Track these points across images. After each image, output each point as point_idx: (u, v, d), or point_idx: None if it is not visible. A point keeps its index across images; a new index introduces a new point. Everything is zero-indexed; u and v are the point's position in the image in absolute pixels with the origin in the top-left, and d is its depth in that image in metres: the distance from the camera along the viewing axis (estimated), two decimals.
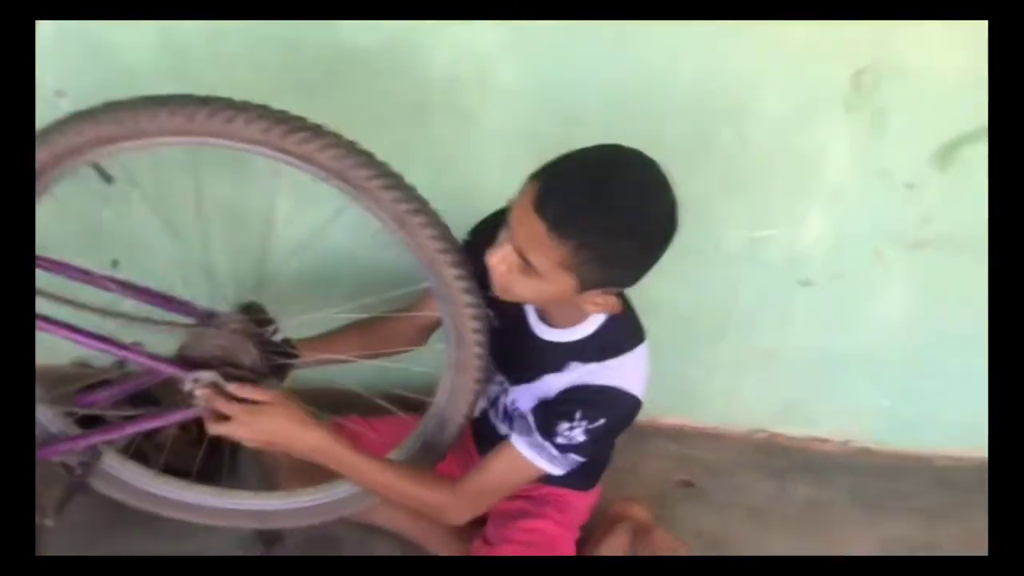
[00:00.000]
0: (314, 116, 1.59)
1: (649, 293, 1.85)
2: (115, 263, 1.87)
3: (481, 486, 1.38)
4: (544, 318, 1.40)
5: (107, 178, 1.24)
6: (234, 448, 1.67)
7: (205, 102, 1.14)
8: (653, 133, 1.63)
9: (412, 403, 1.53)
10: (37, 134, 1.17)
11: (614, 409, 1.33)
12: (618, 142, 1.22)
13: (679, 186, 1.68)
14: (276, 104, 1.58)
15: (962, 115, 1.63)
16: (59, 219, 1.46)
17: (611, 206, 1.14)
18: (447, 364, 1.39)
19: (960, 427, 2.03)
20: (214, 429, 1.25)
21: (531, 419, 1.35)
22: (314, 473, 1.51)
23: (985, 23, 1.34)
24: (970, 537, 1.85)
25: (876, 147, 1.66)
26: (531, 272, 1.19)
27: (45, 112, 1.22)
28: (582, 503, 1.64)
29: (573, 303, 1.27)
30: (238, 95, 1.44)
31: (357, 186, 1.19)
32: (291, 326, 1.45)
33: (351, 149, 1.18)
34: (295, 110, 1.44)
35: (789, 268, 1.83)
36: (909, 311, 1.87)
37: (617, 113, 1.63)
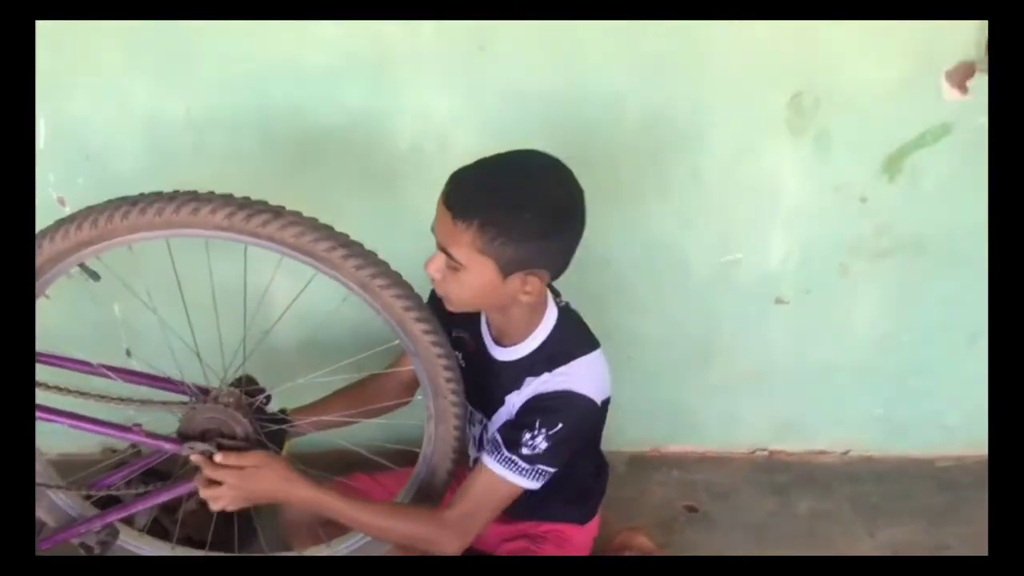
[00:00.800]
0: (293, 198, 1.71)
1: (633, 328, 1.96)
2: (128, 352, 1.99)
3: (464, 511, 1.41)
4: (497, 340, 1.47)
5: (93, 276, 1.35)
6: (247, 516, 1.75)
7: (172, 198, 1.25)
8: (610, 178, 1.76)
9: (410, 456, 1.61)
10: None
11: (569, 412, 1.37)
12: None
13: (644, 225, 1.80)
14: (258, 190, 1.71)
15: (901, 125, 1.71)
16: (72, 317, 1.59)
17: (506, 185, 1.26)
18: (427, 415, 1.47)
19: (957, 425, 2.06)
20: (204, 494, 1.34)
21: (498, 437, 1.41)
22: (327, 532, 1.61)
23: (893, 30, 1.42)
24: (976, 535, 1.85)
25: (825, 165, 1.74)
26: (458, 267, 1.28)
27: (51, 219, 1.33)
28: (581, 538, 1.68)
29: (509, 305, 1.36)
30: (222, 187, 1.57)
31: (320, 258, 1.29)
32: (282, 394, 1.55)
33: (311, 225, 1.29)
34: (275, 195, 1.56)
35: (761, 289, 1.90)
36: (884, 318, 1.93)
37: (572, 163, 1.72)
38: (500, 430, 1.43)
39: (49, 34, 1.67)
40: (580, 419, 1.39)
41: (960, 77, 1.64)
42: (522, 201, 1.25)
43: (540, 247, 1.28)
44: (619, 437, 2.12)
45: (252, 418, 1.43)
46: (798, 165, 1.75)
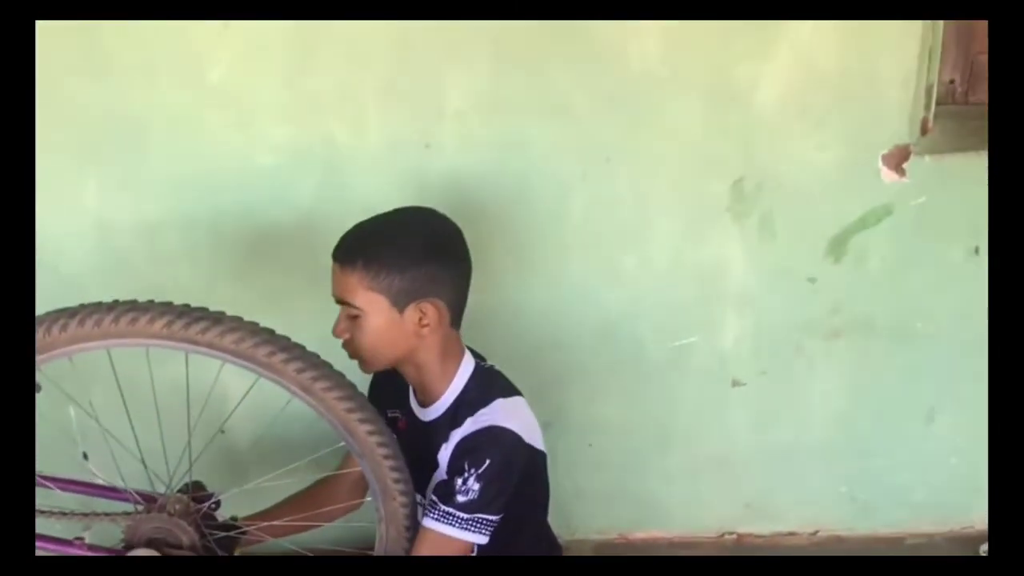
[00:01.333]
0: (246, 296, 1.74)
1: (592, 414, 1.97)
2: (85, 456, 1.97)
3: None
4: (421, 402, 1.47)
5: (35, 388, 1.34)
6: None
7: (110, 308, 1.26)
8: (557, 269, 1.78)
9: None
10: None
11: (494, 447, 1.36)
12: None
13: (595, 311, 1.81)
14: (211, 290, 1.72)
15: (843, 208, 1.75)
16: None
17: (381, 225, 1.40)
18: (377, 517, 1.45)
19: (923, 502, 2.04)
20: None
21: (432, 495, 1.40)
22: None
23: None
24: None
25: (770, 248, 1.77)
26: (358, 313, 1.34)
27: None
28: None
29: (416, 348, 1.39)
30: (177, 288, 1.57)
31: (261, 363, 1.29)
32: (233, 497, 1.53)
33: (251, 330, 1.29)
34: (228, 294, 1.57)
35: (717, 371, 1.90)
36: (841, 397, 1.93)
37: (520, 254, 1.76)
38: (433, 488, 1.42)
39: None
40: (507, 453, 1.37)
41: (896, 160, 1.68)
42: (396, 233, 1.38)
43: (424, 274, 1.35)
44: (584, 525, 2.11)
45: (200, 526, 1.41)
46: (744, 249, 1.77)
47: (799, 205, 1.73)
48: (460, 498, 1.35)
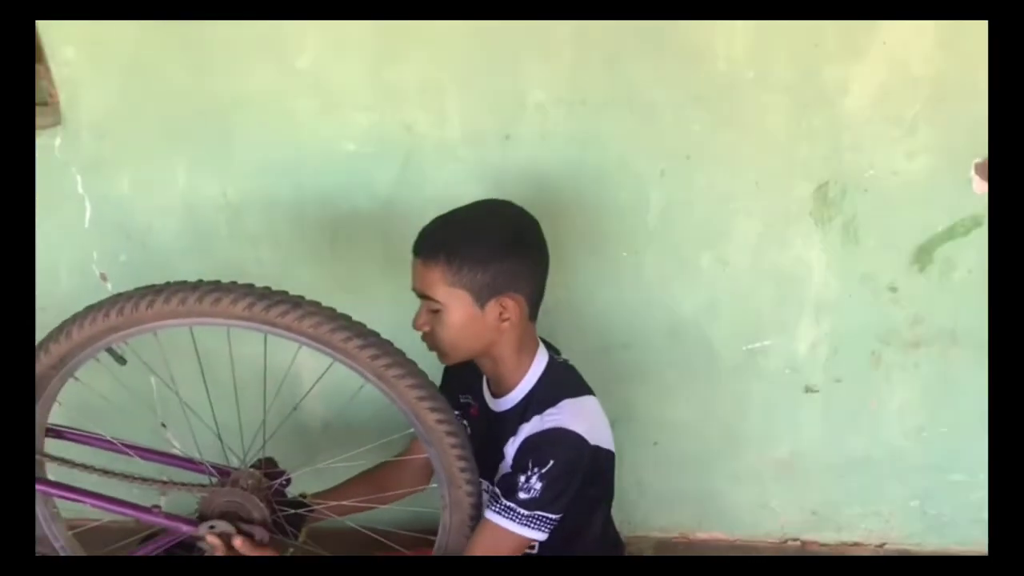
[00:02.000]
0: (323, 279, 1.77)
1: (658, 413, 1.95)
2: (164, 425, 2.04)
3: None
4: (494, 393, 1.49)
5: (120, 360, 1.39)
6: None
7: (195, 287, 1.29)
8: (632, 267, 1.76)
9: (426, 543, 1.61)
10: (59, 328, 1.35)
11: (559, 448, 1.36)
12: None
13: (669, 311, 1.80)
14: (290, 271, 1.76)
15: (930, 216, 1.70)
16: (100, 398, 1.64)
17: (462, 220, 1.40)
18: (442, 504, 1.47)
19: None
20: None
21: (495, 488, 1.41)
22: None
23: None
24: None
25: (853, 254, 1.73)
26: (439, 308, 1.36)
27: (93, 295, 1.40)
28: None
29: (496, 342, 1.40)
30: (257, 268, 1.61)
31: (337, 348, 1.31)
32: (303, 476, 1.57)
33: (328, 315, 1.31)
34: (306, 276, 1.60)
35: (791, 376, 1.87)
36: (919, 409, 1.88)
37: (596, 250, 1.75)
38: (497, 481, 1.43)
39: (94, 119, 1.77)
40: (571, 454, 1.37)
41: None
42: (478, 228, 1.38)
43: (506, 268, 1.35)
44: (647, 522, 2.10)
45: (271, 502, 1.45)
46: (825, 254, 1.74)
47: (885, 212, 1.69)
48: (522, 495, 1.36)
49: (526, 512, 1.37)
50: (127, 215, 1.86)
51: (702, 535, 2.11)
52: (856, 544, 2.05)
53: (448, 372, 1.61)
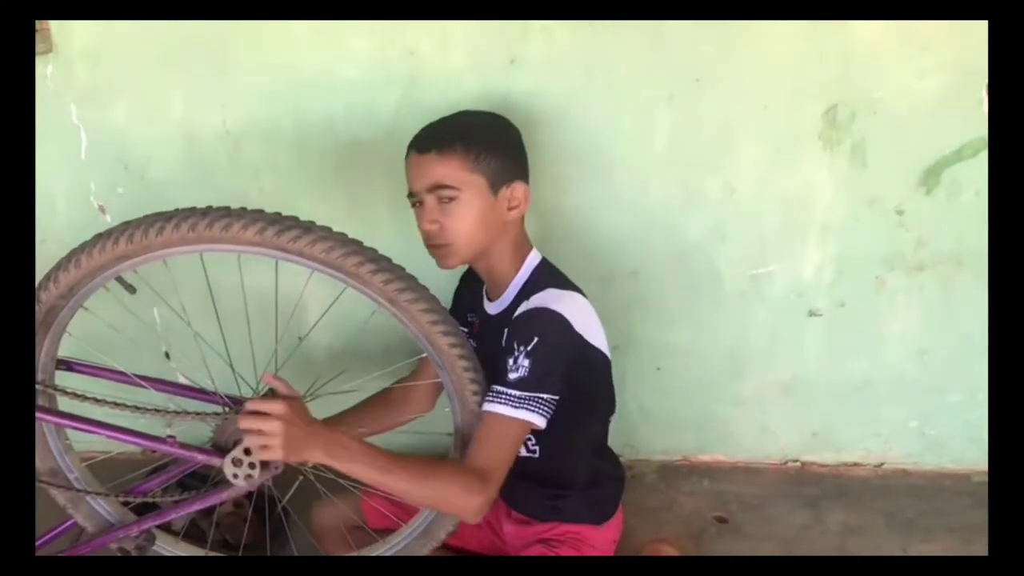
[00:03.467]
0: (326, 208, 1.76)
1: (662, 338, 1.96)
2: (167, 355, 2.04)
3: (480, 459, 1.39)
4: (489, 295, 1.55)
5: (130, 289, 1.38)
6: (279, 520, 1.78)
7: (204, 213, 1.28)
8: (639, 190, 1.76)
9: None
10: (68, 257, 1.33)
11: (540, 325, 1.39)
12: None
13: (675, 236, 1.79)
14: (293, 200, 1.74)
15: (939, 138, 1.68)
16: (109, 329, 1.64)
17: (464, 115, 1.52)
18: (454, 429, 1.48)
19: None
20: (253, 446, 1.32)
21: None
22: (356, 539, 1.63)
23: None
24: None
25: (860, 178, 1.72)
26: (453, 195, 1.41)
27: (92, 227, 1.39)
28: (599, 538, 1.64)
29: (499, 235, 1.46)
30: (258, 197, 1.59)
31: (349, 273, 1.31)
32: (313, 403, 1.57)
33: (340, 240, 1.30)
34: (308, 205, 1.58)
35: (795, 301, 1.88)
36: (921, 332, 1.89)
37: (601, 175, 1.73)
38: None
39: (86, 47, 1.72)
40: (553, 333, 1.39)
41: None
42: (483, 121, 1.50)
43: (513, 156, 1.46)
44: (648, 446, 2.13)
45: None
46: (833, 178, 1.73)
47: (894, 134, 1.67)
48: (512, 376, 1.38)
49: (519, 393, 1.38)
50: (124, 146, 1.83)
51: (704, 457, 2.14)
52: (855, 464, 2.08)
53: (457, 299, 1.61)
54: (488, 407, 1.40)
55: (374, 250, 1.33)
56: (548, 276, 1.50)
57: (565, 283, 1.50)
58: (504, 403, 1.39)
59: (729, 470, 2.12)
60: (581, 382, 1.47)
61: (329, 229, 1.32)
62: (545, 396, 1.39)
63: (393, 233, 1.74)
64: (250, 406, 1.31)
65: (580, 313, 1.44)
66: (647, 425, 2.08)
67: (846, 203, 1.76)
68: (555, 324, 1.40)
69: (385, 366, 1.66)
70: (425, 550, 1.57)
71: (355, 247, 1.31)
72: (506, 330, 1.44)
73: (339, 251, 1.29)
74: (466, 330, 1.56)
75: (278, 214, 1.31)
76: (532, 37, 1.64)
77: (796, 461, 2.12)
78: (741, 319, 1.92)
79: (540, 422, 1.40)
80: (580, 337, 1.43)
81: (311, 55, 1.70)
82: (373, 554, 1.61)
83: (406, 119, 1.72)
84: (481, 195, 1.42)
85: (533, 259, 1.51)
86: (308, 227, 1.30)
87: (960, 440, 2.02)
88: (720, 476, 2.11)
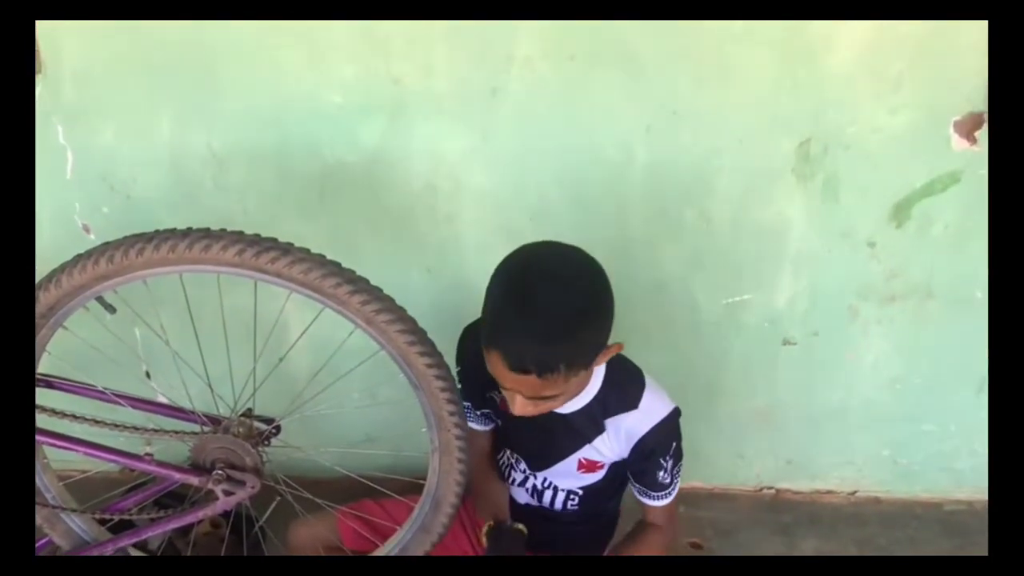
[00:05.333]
0: (309, 232, 1.77)
1: (641, 363, 1.96)
2: (148, 375, 2.05)
3: (668, 529, 1.61)
4: None
5: (109, 309, 1.39)
6: (256, 540, 1.79)
7: (184, 235, 1.30)
8: (619, 219, 1.79)
9: (416, 487, 1.64)
10: (48, 276, 1.35)
11: (673, 430, 1.53)
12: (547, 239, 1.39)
13: (653, 266, 1.82)
14: (276, 223, 1.76)
15: (909, 173, 1.73)
16: (89, 348, 1.65)
17: (555, 323, 1.27)
18: (431, 448, 1.50)
19: (965, 470, 2.06)
20: None
21: (642, 487, 1.57)
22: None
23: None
24: None
25: (833, 211, 1.76)
26: (553, 394, 1.36)
27: (76, 246, 1.40)
28: None
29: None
30: (242, 220, 1.61)
31: (327, 294, 1.33)
32: (291, 423, 1.59)
33: (318, 262, 1.32)
34: (291, 229, 1.60)
35: (769, 329, 1.91)
36: (894, 361, 1.93)
37: (581, 204, 1.76)
38: (637, 481, 1.58)
39: (76, 68, 1.75)
40: (678, 426, 1.54)
41: (969, 127, 1.66)
42: (575, 325, 1.29)
43: (600, 337, 1.37)
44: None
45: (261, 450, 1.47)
46: (806, 210, 1.76)
47: (865, 168, 1.71)
48: (666, 479, 1.55)
49: (678, 485, 1.58)
50: (110, 166, 1.85)
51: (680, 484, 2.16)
52: (829, 492, 2.11)
53: (470, 369, 1.60)
54: (659, 503, 1.58)
55: (352, 271, 1.35)
56: (622, 367, 1.53)
57: (636, 371, 1.55)
58: (663, 496, 1.57)
59: (705, 496, 2.15)
60: None
61: (307, 250, 1.34)
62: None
63: (376, 258, 1.76)
64: None
65: (664, 389, 1.55)
66: None
67: (819, 235, 1.79)
68: (678, 420, 1.53)
69: (365, 386, 1.68)
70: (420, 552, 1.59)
71: (333, 268, 1.33)
72: (622, 440, 1.52)
73: (317, 272, 1.31)
74: (488, 410, 1.63)
75: (257, 235, 1.34)
76: (514, 68, 1.66)
77: (771, 488, 2.14)
78: (717, 347, 1.95)
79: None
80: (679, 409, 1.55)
81: (297, 80, 1.73)
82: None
83: (391, 144, 1.76)
84: (582, 379, 1.41)
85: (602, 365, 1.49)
86: (286, 248, 1.32)
87: (932, 469, 2.05)
88: (695, 502, 2.13)
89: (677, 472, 1.57)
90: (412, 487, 1.65)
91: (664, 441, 1.51)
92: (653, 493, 1.57)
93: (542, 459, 1.59)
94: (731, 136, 1.70)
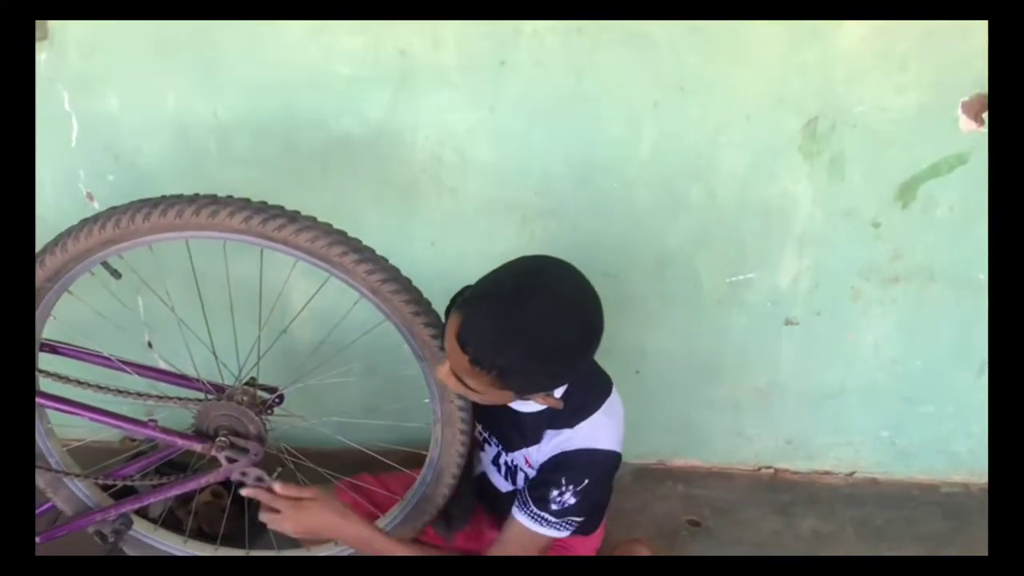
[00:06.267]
0: (313, 203, 1.77)
1: (642, 342, 1.99)
2: (150, 344, 2.05)
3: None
4: None
5: (115, 274, 1.40)
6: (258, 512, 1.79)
7: (191, 201, 1.30)
8: (623, 196, 1.78)
9: (417, 458, 1.65)
10: (55, 240, 1.35)
11: (594, 468, 1.42)
12: (545, 254, 1.33)
13: (656, 241, 1.82)
14: (280, 194, 1.76)
15: (916, 154, 1.72)
16: (94, 314, 1.65)
17: (525, 334, 1.22)
18: (434, 418, 1.51)
19: (963, 452, 2.07)
20: (265, 520, 1.40)
21: (526, 493, 1.45)
22: None
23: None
24: None
25: (838, 190, 1.76)
26: (474, 388, 1.30)
27: (79, 213, 1.40)
28: (584, 548, 1.71)
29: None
30: (246, 190, 1.61)
31: (333, 262, 1.33)
32: (294, 393, 1.59)
33: (325, 230, 1.33)
34: (296, 200, 1.60)
35: (772, 309, 1.91)
36: (894, 342, 1.94)
37: (586, 178, 1.76)
38: (527, 487, 1.47)
39: (82, 35, 1.74)
40: (605, 472, 1.44)
41: (976, 109, 1.65)
42: (541, 353, 1.24)
43: (562, 379, 1.35)
44: (625, 449, 2.14)
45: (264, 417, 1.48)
46: (812, 188, 1.76)
47: (872, 148, 1.71)
48: (554, 506, 1.42)
49: (556, 520, 1.43)
50: (115, 134, 1.84)
51: (679, 462, 2.18)
52: (827, 472, 2.12)
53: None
54: (522, 519, 1.45)
55: (358, 240, 1.36)
56: (587, 389, 1.44)
57: (601, 386, 1.47)
58: (538, 522, 1.44)
59: (703, 475, 2.16)
60: (612, 482, 1.55)
61: (314, 218, 1.34)
62: (579, 519, 1.45)
63: (380, 230, 1.75)
64: (282, 491, 1.40)
65: (620, 426, 1.46)
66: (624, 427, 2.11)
67: (824, 214, 1.79)
68: (608, 463, 1.43)
69: (367, 358, 1.68)
70: (408, 536, 1.59)
71: (339, 236, 1.34)
72: (547, 452, 1.44)
73: (323, 240, 1.32)
74: None
75: (264, 203, 1.34)
76: (522, 41, 1.66)
77: (769, 468, 2.15)
78: (719, 325, 1.95)
79: (566, 535, 1.46)
80: (620, 457, 1.45)
81: (303, 51, 1.72)
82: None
83: (397, 117, 1.75)
84: (503, 398, 1.34)
85: None
86: (293, 216, 1.33)
87: (929, 451, 2.06)
88: (694, 480, 2.14)
89: (567, 508, 1.40)
90: (412, 459, 1.66)
91: (580, 469, 1.39)
92: (530, 504, 1.42)
93: (507, 442, 1.55)
94: (738, 112, 1.69)
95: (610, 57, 1.66)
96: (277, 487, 1.41)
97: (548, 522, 1.43)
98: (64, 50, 1.76)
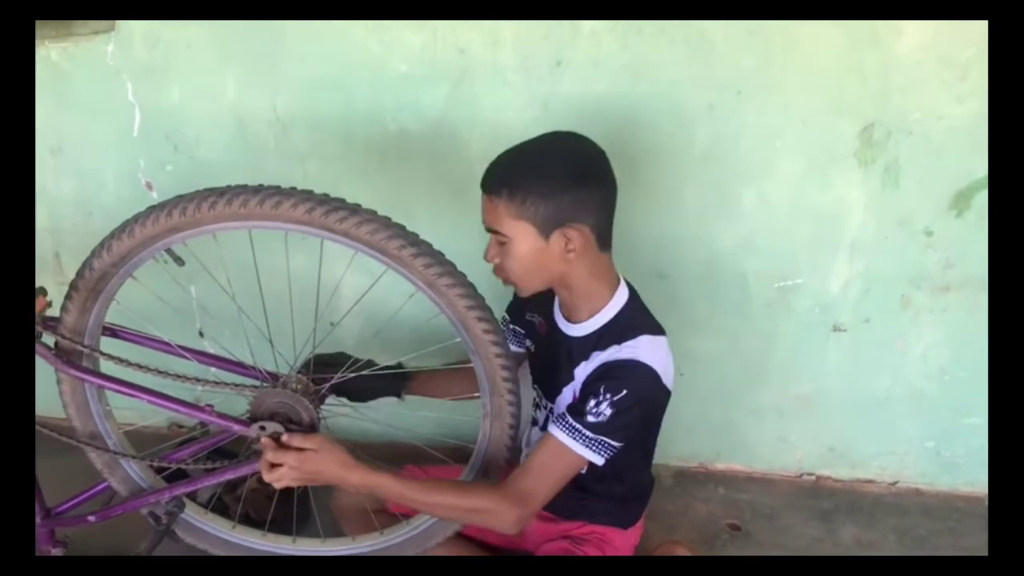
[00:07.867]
0: (369, 196, 1.80)
1: (687, 344, 1.99)
2: (201, 333, 2.09)
3: (525, 482, 1.43)
4: (568, 317, 1.53)
5: (179, 261, 1.42)
6: (305, 499, 1.82)
7: (256, 191, 1.32)
8: (675, 195, 1.79)
9: (464, 452, 1.67)
10: (121, 226, 1.38)
11: (634, 380, 1.41)
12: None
13: (706, 244, 1.82)
14: (337, 187, 1.79)
15: (972, 163, 1.71)
16: (156, 299, 1.69)
17: (526, 154, 1.40)
18: (483, 413, 1.52)
19: None
20: (268, 479, 1.40)
21: (564, 409, 1.46)
22: (379, 520, 1.68)
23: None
24: None
25: (892, 197, 1.75)
26: (505, 241, 1.40)
27: (139, 203, 1.43)
28: (623, 542, 1.70)
29: (567, 274, 1.44)
30: (303, 183, 1.64)
31: (391, 255, 1.35)
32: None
33: (385, 224, 1.35)
34: (352, 192, 1.63)
35: (820, 315, 1.91)
36: (943, 352, 1.92)
37: (638, 178, 1.77)
38: (568, 404, 1.48)
39: (147, 28, 1.78)
40: (644, 388, 1.42)
41: None
42: (539, 161, 1.38)
43: (568, 200, 1.37)
44: (667, 451, 2.15)
45: (318, 404, 1.50)
46: (865, 195, 1.76)
47: (928, 156, 1.70)
48: (590, 418, 1.41)
49: (591, 435, 1.41)
50: (176, 125, 1.89)
51: (720, 466, 2.18)
52: (869, 481, 2.11)
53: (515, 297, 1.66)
54: (557, 433, 1.43)
55: (416, 235, 1.38)
56: (638, 316, 1.49)
57: (653, 326, 1.49)
58: (574, 437, 1.42)
59: (744, 479, 2.15)
60: (649, 419, 1.54)
61: (374, 212, 1.36)
62: (615, 443, 1.43)
63: (432, 226, 1.77)
64: (289, 441, 1.40)
65: (668, 361, 1.46)
66: (666, 430, 2.05)
67: (877, 221, 1.79)
68: (648, 380, 1.42)
69: (415, 351, 1.70)
70: (450, 530, 1.61)
71: (398, 230, 1.35)
72: (591, 368, 1.46)
73: (383, 233, 1.34)
74: (524, 330, 1.64)
75: (326, 195, 1.36)
76: (580, 40, 1.68)
77: (811, 475, 2.14)
78: (766, 330, 1.95)
79: (600, 461, 1.44)
80: (664, 387, 1.46)
81: (363, 47, 1.75)
82: (399, 534, 1.65)
83: (453, 114, 1.78)
84: (529, 241, 1.39)
85: (621, 295, 1.49)
86: (354, 209, 1.35)
87: (975, 463, 2.04)
88: (735, 485, 2.14)
89: (603, 423, 1.39)
90: (457, 452, 1.68)
91: (620, 378, 1.40)
92: (566, 416, 1.42)
93: (551, 387, 1.57)
94: (794, 117, 1.70)
95: (667, 58, 1.67)
96: (284, 436, 1.41)
97: (582, 436, 1.41)
98: (130, 41, 1.81)
